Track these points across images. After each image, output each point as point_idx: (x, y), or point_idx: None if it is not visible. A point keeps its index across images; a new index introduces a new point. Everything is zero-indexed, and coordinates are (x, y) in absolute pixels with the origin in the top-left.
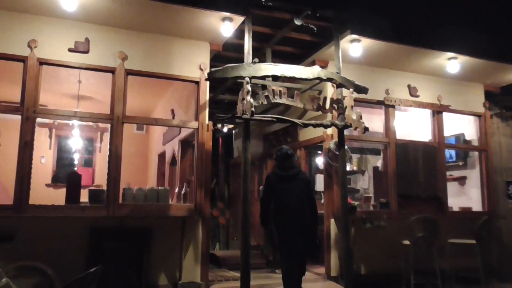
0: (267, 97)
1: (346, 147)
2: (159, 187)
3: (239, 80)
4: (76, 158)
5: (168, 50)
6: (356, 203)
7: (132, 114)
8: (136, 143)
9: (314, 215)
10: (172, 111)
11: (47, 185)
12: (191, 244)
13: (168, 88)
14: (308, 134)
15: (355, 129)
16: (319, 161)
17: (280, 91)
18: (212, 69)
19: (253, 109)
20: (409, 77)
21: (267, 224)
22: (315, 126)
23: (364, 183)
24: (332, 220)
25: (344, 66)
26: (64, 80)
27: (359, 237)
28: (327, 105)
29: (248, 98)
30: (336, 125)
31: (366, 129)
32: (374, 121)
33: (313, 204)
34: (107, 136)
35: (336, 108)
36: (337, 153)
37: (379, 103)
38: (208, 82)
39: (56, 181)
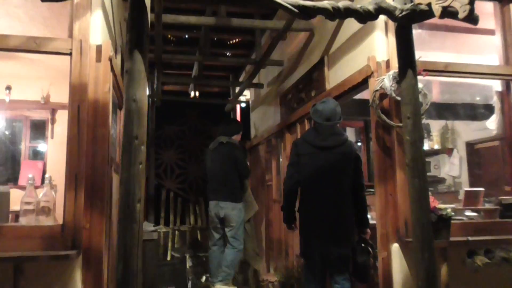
0: None
1: (420, 85)
2: None
3: None
4: (21, 148)
5: None
6: (448, 207)
7: None
8: None
9: (362, 210)
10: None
11: None
12: None
13: None
14: (341, 72)
15: (441, 15)
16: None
17: None
18: None
19: None
20: None
21: (292, 219)
22: (335, 13)
23: (453, 169)
24: (395, 246)
25: None
26: None
27: (460, 283)
28: None
29: None
30: (390, 12)
31: (473, 16)
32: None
33: (361, 193)
34: (61, 116)
35: None
36: (398, 98)
37: None
38: None
39: None
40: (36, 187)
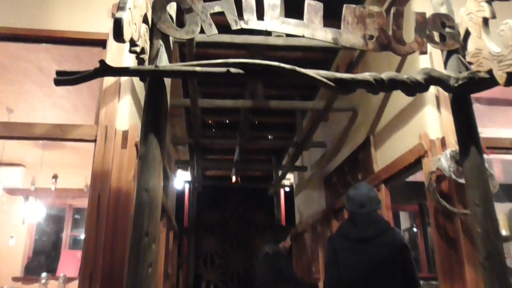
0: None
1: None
2: None
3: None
4: (62, 236)
5: None
6: None
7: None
8: None
9: None
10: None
11: (15, 279)
12: None
13: None
14: (390, 152)
15: (506, 82)
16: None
17: None
18: None
19: (143, 39)
20: None
21: None
22: (378, 85)
23: None
24: None
25: None
26: None
27: None
28: (410, 33)
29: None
30: (443, 82)
31: None
32: None
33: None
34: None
35: (434, 39)
36: (460, 180)
37: None
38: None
39: (30, 272)
40: (73, 279)
